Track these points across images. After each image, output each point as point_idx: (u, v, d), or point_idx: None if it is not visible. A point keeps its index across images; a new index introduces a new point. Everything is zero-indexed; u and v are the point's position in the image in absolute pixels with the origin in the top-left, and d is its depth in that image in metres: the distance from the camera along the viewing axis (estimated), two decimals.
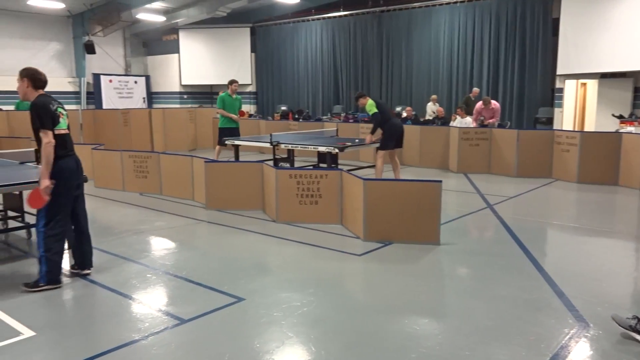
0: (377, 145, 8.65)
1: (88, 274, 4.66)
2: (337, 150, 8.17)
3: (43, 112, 4.24)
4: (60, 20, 23.11)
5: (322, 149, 8.42)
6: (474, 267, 5.02)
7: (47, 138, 4.21)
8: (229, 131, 10.03)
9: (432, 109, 15.25)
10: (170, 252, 5.55)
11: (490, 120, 11.68)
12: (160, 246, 5.82)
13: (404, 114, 15.78)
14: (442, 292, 4.49)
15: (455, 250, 5.51)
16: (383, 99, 20.30)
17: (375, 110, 8.41)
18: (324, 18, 22.36)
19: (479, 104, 11.93)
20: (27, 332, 3.58)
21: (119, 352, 3.32)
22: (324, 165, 8.76)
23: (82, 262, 4.69)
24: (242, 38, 24.80)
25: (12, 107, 15.47)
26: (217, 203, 7.36)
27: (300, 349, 3.38)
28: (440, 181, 5.61)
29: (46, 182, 4.23)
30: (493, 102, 11.92)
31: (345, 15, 21.53)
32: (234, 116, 10.06)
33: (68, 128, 4.52)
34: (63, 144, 4.38)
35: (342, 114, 20.06)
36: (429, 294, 4.35)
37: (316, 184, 6.44)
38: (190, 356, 3.28)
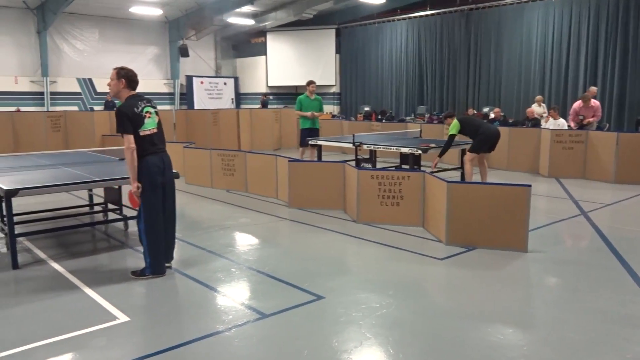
0: (467, 147, 8.42)
1: (169, 267, 4.90)
2: (420, 152, 8.04)
3: (125, 118, 4.48)
4: (158, 26, 24.53)
5: (404, 150, 8.32)
6: (564, 277, 4.75)
7: (127, 143, 4.47)
8: (308, 132, 10.18)
9: (538, 111, 14.10)
10: (254, 248, 5.72)
11: (591, 119, 10.97)
12: (245, 242, 6.02)
13: (492, 115, 15.21)
14: (528, 301, 4.29)
15: (544, 258, 5.24)
16: (470, 99, 19.73)
17: (454, 132, 8.17)
18: (409, 18, 22.07)
19: (577, 102, 11.25)
20: (122, 317, 3.84)
21: (203, 341, 3.48)
22: (406, 167, 8.65)
23: (165, 255, 4.88)
24: (327, 39, 25.04)
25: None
26: (300, 202, 7.49)
27: (378, 350, 3.37)
28: (530, 185, 5.36)
29: (134, 185, 4.52)
30: (593, 100, 11.19)
31: (431, 15, 21.12)
32: (308, 113, 10.13)
33: (158, 126, 4.71)
34: (150, 143, 4.59)
35: (426, 115, 19.71)
36: (514, 303, 4.17)
37: (398, 185, 6.37)
38: (271, 350, 3.37)
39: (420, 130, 11.53)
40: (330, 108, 23.75)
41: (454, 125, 8.24)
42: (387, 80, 23.12)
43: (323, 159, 9.75)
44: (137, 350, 3.39)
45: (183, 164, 9.46)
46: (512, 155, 10.99)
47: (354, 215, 6.75)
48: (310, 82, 10.36)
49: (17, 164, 6.61)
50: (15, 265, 4.91)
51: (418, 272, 4.90)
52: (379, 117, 20.05)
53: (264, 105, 22.42)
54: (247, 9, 22.05)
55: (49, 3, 20.25)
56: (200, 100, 25.31)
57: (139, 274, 4.67)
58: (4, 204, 4.99)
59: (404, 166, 9.28)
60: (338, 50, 25.06)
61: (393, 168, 9.40)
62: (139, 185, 4.54)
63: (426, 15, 21.29)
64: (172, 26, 24.48)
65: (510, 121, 14.90)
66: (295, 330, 3.65)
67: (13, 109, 18.62)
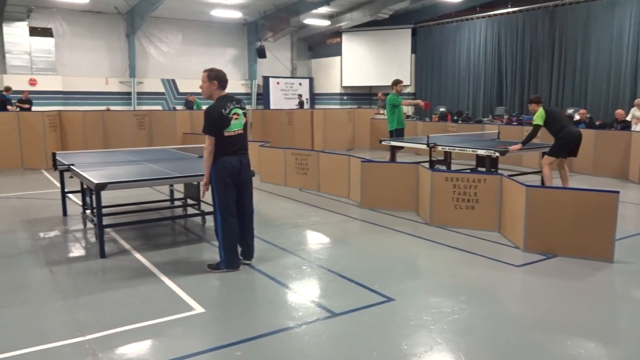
0: (546, 150, 8.02)
1: (248, 264, 5.03)
2: (497, 154, 7.77)
3: (211, 120, 4.67)
4: (237, 29, 25.31)
5: (481, 152, 8.07)
6: None
7: (206, 143, 4.69)
8: (397, 132, 10.18)
9: (636, 114, 12.96)
10: (325, 247, 5.77)
11: None
12: (316, 240, 6.08)
13: (577, 117, 14.41)
14: (613, 315, 4.03)
15: (632, 270, 4.90)
16: (553, 100, 18.82)
17: (540, 123, 7.69)
18: (489, 16, 21.39)
19: None
20: (198, 308, 3.99)
21: (274, 336, 3.55)
22: (483, 169, 8.39)
23: (244, 252, 5.04)
24: (402, 39, 24.77)
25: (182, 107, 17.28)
26: (372, 202, 7.46)
27: (449, 356, 3.29)
28: (617, 192, 5.03)
29: (204, 180, 4.80)
30: None
31: (513, 12, 20.35)
32: (395, 122, 10.15)
33: (244, 127, 4.86)
34: (232, 144, 4.74)
35: (504, 116, 19.01)
36: (597, 316, 3.93)
37: (473, 189, 6.20)
38: (340, 349, 3.38)
39: (499, 132, 11.14)
40: (405, 109, 23.47)
41: (539, 115, 7.73)
42: (464, 81, 22.53)
43: (396, 159, 9.65)
44: (211, 340, 3.52)
45: (258, 162, 9.70)
46: (598, 160, 10.37)
47: (426, 218, 6.63)
48: (399, 81, 10.35)
49: (106, 159, 7.05)
50: (102, 254, 5.24)
51: (493, 278, 4.74)
52: (455, 118, 19.57)
53: (301, 105, 22.36)
54: (323, 10, 22.26)
55: (138, 8, 21.44)
56: (276, 100, 25.84)
57: (214, 267, 4.84)
58: (94, 197, 5.33)
59: (480, 169, 9.00)
60: (414, 50, 24.72)
61: (468, 170, 9.14)
62: (208, 183, 4.79)
63: (507, 13, 20.54)
64: (251, 28, 25.17)
65: (597, 123, 14.05)
66: (365, 330, 3.64)
67: (104, 108, 19.88)
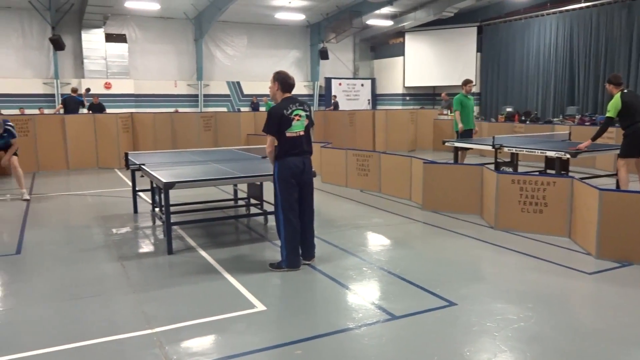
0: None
1: (309, 264, 5.07)
2: (568, 156, 7.43)
3: (271, 119, 4.77)
4: (300, 31, 25.60)
5: (550, 153, 7.75)
6: None
7: (267, 142, 4.85)
8: (466, 133, 9.97)
9: None
10: (386, 249, 5.72)
11: None
12: (377, 242, 6.04)
13: None
14: None
15: None
16: None
17: (611, 115, 7.05)
18: (560, 11, 20.52)
19: None
20: (259, 306, 4.07)
21: (334, 336, 3.56)
22: (552, 172, 8.04)
23: (305, 252, 5.08)
24: (467, 38, 24.20)
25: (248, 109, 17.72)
26: (434, 204, 7.33)
27: None
28: None
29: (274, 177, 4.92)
30: None
31: (586, 7, 19.40)
32: (461, 126, 9.94)
33: (306, 129, 4.90)
34: (293, 145, 4.81)
35: (576, 116, 18.14)
36: None
37: (542, 192, 5.95)
38: (400, 352, 3.34)
39: (570, 133, 10.65)
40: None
41: (613, 104, 7.03)
42: (533, 79, 21.70)
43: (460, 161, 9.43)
44: (272, 338, 3.57)
45: (320, 162, 9.76)
46: None
47: (491, 221, 6.44)
48: (468, 81, 10.15)
49: (174, 159, 7.32)
50: (170, 251, 5.45)
51: (562, 285, 4.53)
52: (523, 118, 18.90)
53: (335, 107, 21.44)
54: (386, 10, 22.12)
55: (205, 13, 22.14)
56: (338, 101, 25.90)
57: (276, 266, 4.92)
58: (162, 195, 5.55)
59: (549, 171, 8.64)
60: (479, 49, 24.09)
61: (537, 173, 8.80)
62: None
63: (580, 8, 19.61)
64: (313, 30, 25.38)
65: None
66: (426, 334, 3.58)
67: (172, 110, 20.67)
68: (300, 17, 23.25)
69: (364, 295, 4.32)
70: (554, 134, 11.14)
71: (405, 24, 23.72)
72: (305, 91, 25.70)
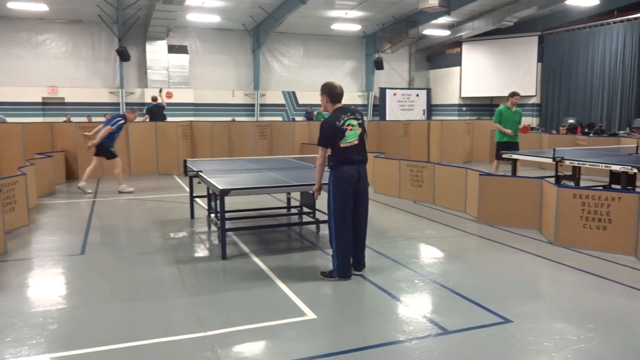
0: None
1: (360, 274, 5.04)
2: (635, 170, 7.07)
3: (325, 132, 4.82)
4: (355, 41, 25.70)
5: (616, 167, 7.39)
6: None
7: (319, 154, 4.90)
8: (506, 145, 9.64)
9: None
10: (439, 262, 5.62)
11: None
12: (429, 254, 5.94)
13: None
14: None
15: None
16: None
17: None
18: (628, 20, 19.63)
19: None
20: (310, 314, 4.08)
21: (384, 348, 3.52)
22: (617, 187, 7.67)
23: (356, 262, 5.05)
24: (528, 47, 23.56)
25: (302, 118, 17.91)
26: (489, 217, 7.15)
27: None
28: None
29: (315, 186, 5.07)
30: None
31: None
32: (508, 131, 9.64)
33: (360, 138, 4.90)
34: (348, 154, 4.82)
35: None
36: None
37: (605, 207, 5.69)
38: None
39: (637, 146, 10.14)
40: (529, 120, 22.24)
41: None
42: (598, 90, 20.82)
43: (518, 174, 9.15)
44: (322, 347, 3.58)
45: (373, 173, 9.72)
46: None
47: (550, 237, 6.21)
48: (515, 94, 9.80)
49: (230, 167, 7.50)
50: (224, 256, 5.56)
51: (627, 307, 4.30)
52: (586, 130, 18.12)
53: (309, 117, 21.46)
54: (443, 20, 21.87)
55: (263, 25, 22.63)
56: (392, 112, 25.79)
57: (327, 275, 4.93)
58: (218, 202, 5.69)
59: (614, 186, 8.24)
60: (540, 59, 23.38)
61: (600, 187, 8.42)
62: (319, 190, 5.06)
63: None
64: (369, 40, 25.42)
65: None
66: (479, 351, 3.48)
67: (229, 119, 21.18)
68: (356, 27, 23.34)
69: (415, 307, 4.25)
70: (619, 147, 10.63)
71: (462, 33, 23.36)
72: (359, 101, 25.72)
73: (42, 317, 4.04)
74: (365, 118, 5.23)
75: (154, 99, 16.37)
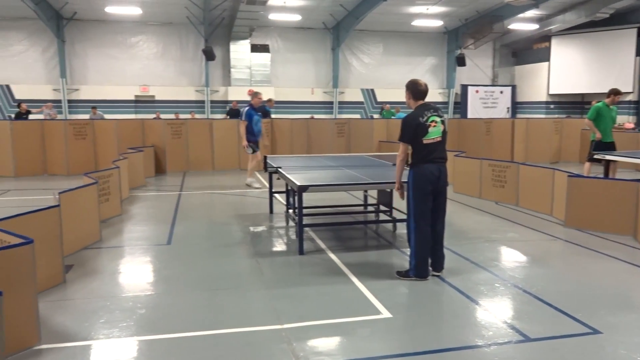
0: None
1: (438, 275, 4.94)
2: None
3: (407, 127, 4.76)
4: (436, 37, 25.17)
5: None
6: None
7: (400, 150, 4.83)
8: (603, 145, 9.00)
9: None
10: (521, 266, 5.38)
11: None
12: (511, 258, 5.71)
13: None
14: None
15: None
16: None
17: None
18: None
19: None
20: (385, 313, 4.05)
21: (461, 352, 3.43)
22: None
23: (434, 263, 4.96)
24: (625, 40, 21.98)
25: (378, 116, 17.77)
26: (578, 222, 6.75)
27: None
28: None
29: (396, 186, 5.00)
30: None
31: None
32: (598, 134, 9.00)
33: (443, 135, 4.80)
34: (428, 152, 4.73)
35: None
36: None
37: None
38: None
39: None
40: (624, 118, 20.75)
41: None
42: None
43: (614, 176, 8.57)
44: (396, 346, 3.54)
45: (452, 172, 9.46)
46: None
47: None
48: (617, 92, 9.06)
49: (308, 163, 7.60)
50: (301, 251, 5.65)
51: None
52: None
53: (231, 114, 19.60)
54: (530, 13, 20.90)
55: (343, 23, 22.71)
56: (474, 109, 25.00)
57: (403, 274, 4.87)
58: (296, 197, 5.79)
59: None
60: (638, 53, 21.72)
61: None
62: (399, 189, 4.98)
63: None
64: (451, 36, 24.79)
65: None
66: None
67: (308, 116, 21.46)
68: (438, 23, 22.85)
69: (495, 312, 4.10)
70: None
71: (552, 27, 22.20)
72: (440, 98, 25.16)
73: (132, 301, 4.30)
74: (445, 116, 5.10)
75: (269, 100, 16.23)
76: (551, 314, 4.04)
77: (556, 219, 7.27)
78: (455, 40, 24.54)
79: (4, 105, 21.34)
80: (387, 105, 18.07)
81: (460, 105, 25.35)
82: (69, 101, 21.72)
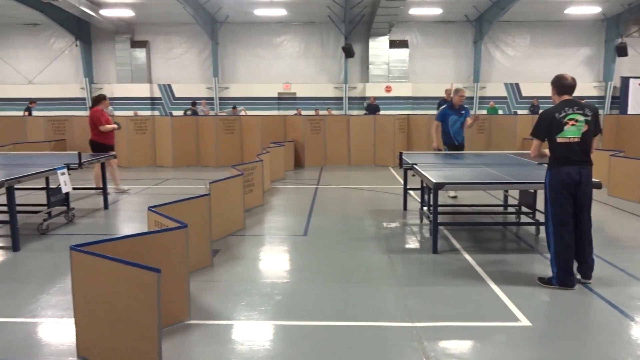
0: None
1: (585, 284, 4.55)
2: None
3: (540, 123, 4.49)
4: (593, 25, 23.00)
5: None
6: None
7: (532, 146, 4.60)
8: None
9: None
10: None
11: None
12: None
13: None
14: None
15: None
16: None
17: None
18: None
19: None
20: (524, 321, 3.83)
21: None
22: None
23: (582, 271, 4.60)
24: None
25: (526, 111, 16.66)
26: None
27: None
28: None
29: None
30: None
31: None
32: None
33: (584, 135, 4.38)
34: (565, 152, 4.38)
35: None
36: None
37: None
38: None
39: None
40: None
41: None
42: None
43: None
44: (535, 358, 3.33)
45: (607, 173, 8.63)
46: None
47: None
48: None
49: (445, 161, 7.40)
50: (435, 250, 5.54)
51: None
52: None
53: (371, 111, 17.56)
54: None
55: (487, 14, 21.69)
56: (637, 104, 22.44)
57: (545, 281, 4.55)
58: (431, 195, 5.68)
59: None
60: None
61: None
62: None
63: None
64: (610, 24, 22.47)
65: None
66: None
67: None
68: (596, 10, 20.82)
69: None
70: None
71: None
72: (594, 93, 22.96)
73: (270, 287, 4.56)
74: (600, 112, 4.65)
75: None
76: None
77: None
78: (615, 28, 22.18)
79: (165, 103, 23.81)
80: (492, 102, 17.01)
81: (620, 100, 22.89)
82: (220, 98, 23.56)
